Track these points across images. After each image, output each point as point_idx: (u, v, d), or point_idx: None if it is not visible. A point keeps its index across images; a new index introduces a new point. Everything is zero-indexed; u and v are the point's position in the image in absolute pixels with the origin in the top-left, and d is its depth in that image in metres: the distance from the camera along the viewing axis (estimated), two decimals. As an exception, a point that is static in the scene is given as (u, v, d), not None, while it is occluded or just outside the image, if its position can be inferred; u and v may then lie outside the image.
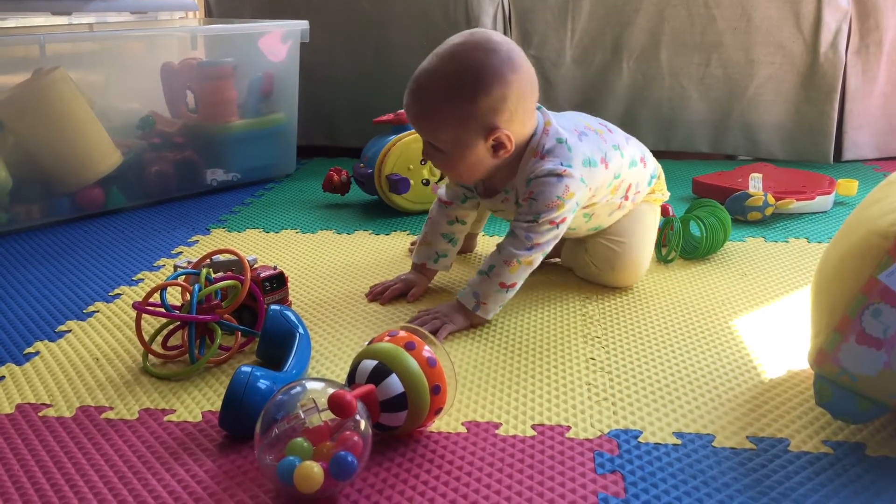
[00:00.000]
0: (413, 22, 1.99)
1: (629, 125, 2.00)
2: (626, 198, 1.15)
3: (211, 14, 2.23)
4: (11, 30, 1.98)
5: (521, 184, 1.06)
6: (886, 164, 1.97)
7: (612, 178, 1.11)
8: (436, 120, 1.02)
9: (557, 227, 1.05)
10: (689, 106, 1.99)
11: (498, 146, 1.03)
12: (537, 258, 1.06)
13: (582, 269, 1.22)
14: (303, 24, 1.84)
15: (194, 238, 1.48)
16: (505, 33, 1.99)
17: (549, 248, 1.07)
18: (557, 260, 1.29)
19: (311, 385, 0.73)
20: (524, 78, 1.01)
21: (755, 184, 1.54)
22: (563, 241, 1.26)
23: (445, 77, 1.00)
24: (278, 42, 1.85)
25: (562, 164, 1.04)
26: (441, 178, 1.57)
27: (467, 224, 1.21)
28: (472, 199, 1.17)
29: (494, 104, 0.99)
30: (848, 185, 1.62)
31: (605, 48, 1.99)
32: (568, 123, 1.10)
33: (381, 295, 1.15)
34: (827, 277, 0.81)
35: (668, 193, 1.26)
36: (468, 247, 1.34)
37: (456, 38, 1.02)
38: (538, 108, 1.08)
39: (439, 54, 1.02)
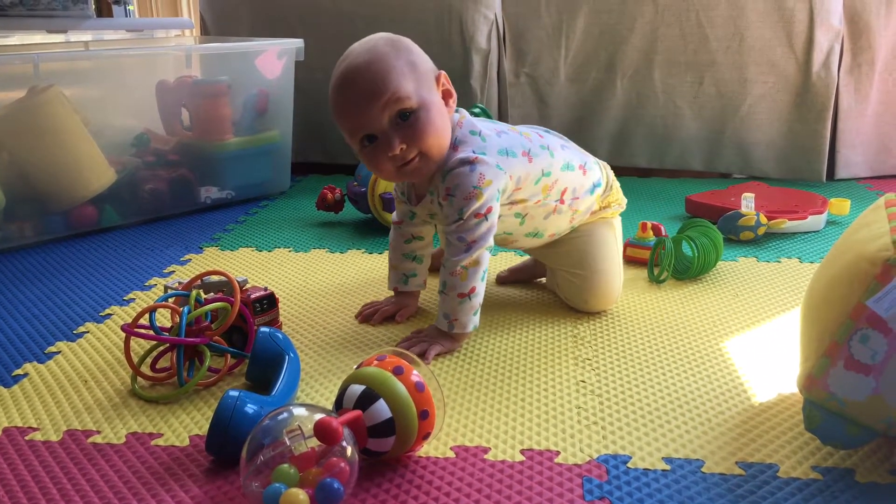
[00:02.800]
0: (408, 40, 2.00)
1: (623, 143, 2.02)
2: (562, 201, 1.12)
3: (207, 32, 2.24)
4: (7, 48, 1.99)
5: (439, 180, 1.04)
6: (879, 182, 1.97)
7: (539, 173, 1.08)
8: (393, 76, 0.97)
9: (486, 217, 1.02)
10: (682, 124, 2.00)
11: (446, 93, 1.03)
12: (482, 255, 1.03)
13: (563, 299, 1.22)
14: (298, 43, 1.85)
15: (187, 257, 1.48)
16: (499, 52, 2.00)
17: (487, 243, 1.03)
18: (543, 280, 1.29)
19: (297, 411, 0.73)
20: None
21: (747, 203, 1.54)
22: (545, 267, 1.26)
23: (377, 51, 0.99)
24: (273, 60, 1.86)
25: (473, 152, 1.03)
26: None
27: (426, 239, 1.18)
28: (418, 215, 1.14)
29: (423, 54, 1.03)
30: (840, 205, 1.62)
31: (598, 67, 2.00)
32: (489, 124, 1.10)
33: (372, 317, 1.15)
34: (816, 302, 0.81)
35: (625, 200, 1.22)
36: None
37: (357, 45, 1.02)
38: (455, 110, 1.08)
39: (355, 52, 1.00)
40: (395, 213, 1.18)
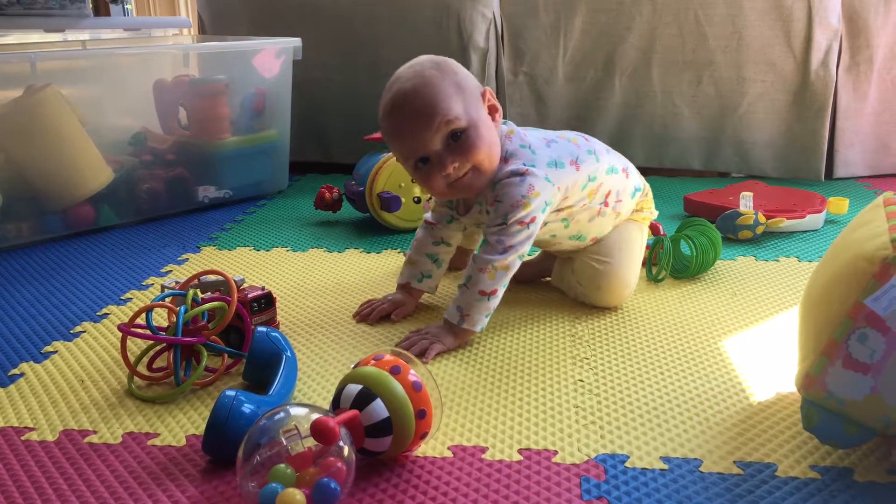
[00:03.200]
0: (406, 40, 2.00)
1: (621, 142, 2.01)
2: (606, 204, 1.15)
3: (204, 31, 2.24)
4: (4, 47, 1.99)
5: (488, 190, 1.07)
6: (878, 181, 1.97)
7: (585, 179, 1.11)
8: (441, 99, 1.00)
9: (528, 227, 1.05)
10: (681, 123, 2.00)
11: (491, 108, 1.06)
12: (513, 261, 1.05)
13: (570, 289, 1.22)
14: (296, 42, 1.85)
15: (184, 256, 1.48)
16: (497, 51, 2.00)
17: (523, 250, 1.06)
18: (548, 279, 1.29)
19: (294, 411, 0.73)
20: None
21: (746, 202, 1.54)
22: (553, 260, 1.26)
23: (424, 75, 1.02)
24: (271, 58, 1.85)
25: (524, 165, 1.06)
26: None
27: (452, 246, 1.21)
28: (457, 221, 1.17)
29: (467, 73, 1.06)
30: (839, 204, 1.62)
31: (597, 66, 2.00)
32: (537, 133, 1.13)
33: (369, 316, 1.15)
34: (814, 301, 0.81)
35: (657, 213, 1.26)
36: (463, 263, 1.34)
37: (403, 70, 1.05)
38: (503, 122, 1.11)
39: (403, 78, 1.03)
40: (429, 214, 1.21)
